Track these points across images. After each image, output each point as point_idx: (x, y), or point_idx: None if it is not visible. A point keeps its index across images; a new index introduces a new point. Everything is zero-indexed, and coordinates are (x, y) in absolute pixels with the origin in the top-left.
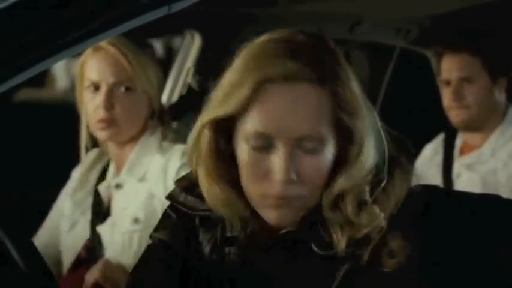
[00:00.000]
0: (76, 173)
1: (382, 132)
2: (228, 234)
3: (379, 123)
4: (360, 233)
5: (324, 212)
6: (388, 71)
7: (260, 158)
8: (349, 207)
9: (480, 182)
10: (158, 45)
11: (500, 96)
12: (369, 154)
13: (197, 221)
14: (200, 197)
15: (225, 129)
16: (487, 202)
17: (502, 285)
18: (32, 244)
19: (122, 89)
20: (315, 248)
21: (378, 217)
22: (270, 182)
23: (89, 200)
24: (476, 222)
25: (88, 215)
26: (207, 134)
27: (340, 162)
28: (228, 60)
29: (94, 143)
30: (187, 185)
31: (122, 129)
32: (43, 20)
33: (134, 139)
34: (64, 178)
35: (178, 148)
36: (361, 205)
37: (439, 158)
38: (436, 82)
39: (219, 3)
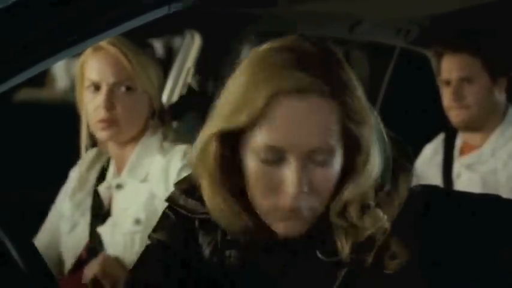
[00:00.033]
0: (74, 173)
1: (385, 138)
2: (229, 238)
3: (383, 129)
4: (364, 236)
5: (331, 218)
6: (388, 71)
7: (270, 171)
8: (354, 213)
9: (480, 182)
10: (158, 45)
11: (500, 96)
12: (375, 162)
13: (197, 223)
14: (200, 200)
15: (230, 139)
16: (487, 202)
17: (502, 285)
18: (32, 244)
19: (123, 88)
20: (319, 255)
21: (382, 220)
22: (281, 194)
23: (89, 201)
24: (476, 222)
25: (88, 216)
26: (214, 144)
27: (348, 171)
28: (228, 60)
29: (94, 143)
30: (188, 187)
31: (122, 129)
32: (43, 20)
33: (135, 139)
34: (64, 178)
35: (179, 149)
36: (364, 209)
37: (439, 158)
38: (436, 82)
39: (219, 3)
